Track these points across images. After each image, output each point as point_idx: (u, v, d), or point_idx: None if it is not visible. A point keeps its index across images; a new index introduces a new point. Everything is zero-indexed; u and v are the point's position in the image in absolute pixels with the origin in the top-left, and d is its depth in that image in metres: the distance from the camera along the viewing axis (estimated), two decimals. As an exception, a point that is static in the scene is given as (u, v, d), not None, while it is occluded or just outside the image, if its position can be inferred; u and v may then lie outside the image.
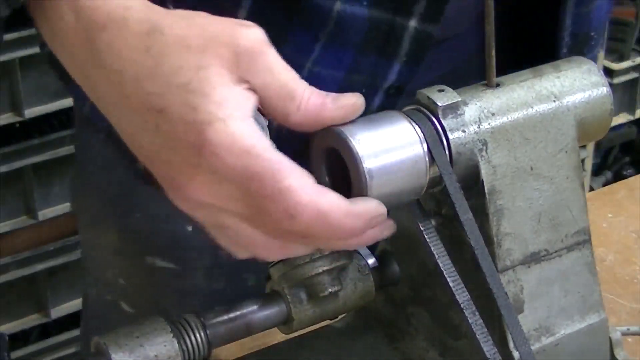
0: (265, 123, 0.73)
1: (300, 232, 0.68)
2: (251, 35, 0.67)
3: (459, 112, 0.78)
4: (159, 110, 0.66)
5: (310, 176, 0.69)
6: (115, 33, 0.67)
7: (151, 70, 0.66)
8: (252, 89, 0.68)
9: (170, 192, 0.69)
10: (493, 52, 0.79)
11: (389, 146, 0.74)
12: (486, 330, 0.76)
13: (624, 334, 0.94)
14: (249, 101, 0.67)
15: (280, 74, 0.68)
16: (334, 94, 0.71)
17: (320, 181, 0.78)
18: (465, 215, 0.76)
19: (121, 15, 0.67)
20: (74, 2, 0.68)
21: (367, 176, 0.72)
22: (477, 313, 0.76)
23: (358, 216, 0.70)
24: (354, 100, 0.71)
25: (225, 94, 0.66)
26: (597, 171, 3.04)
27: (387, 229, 0.74)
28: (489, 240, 0.79)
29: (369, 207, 0.71)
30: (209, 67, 0.66)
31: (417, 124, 0.76)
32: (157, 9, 0.69)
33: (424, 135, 0.76)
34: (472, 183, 0.79)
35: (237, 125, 0.65)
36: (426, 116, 0.77)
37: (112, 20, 0.67)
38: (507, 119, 0.80)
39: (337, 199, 0.69)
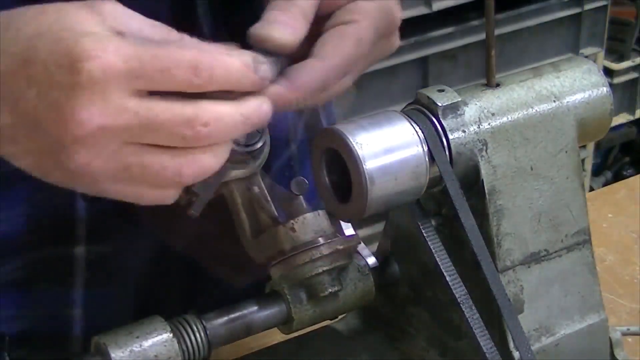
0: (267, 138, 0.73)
1: (208, 82, 0.66)
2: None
3: (459, 112, 0.78)
4: (27, 63, 0.64)
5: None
6: None
7: (13, 37, 0.65)
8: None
9: (68, 143, 0.65)
10: (493, 52, 0.79)
11: (389, 147, 0.74)
12: (484, 326, 0.76)
13: (624, 334, 0.94)
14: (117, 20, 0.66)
15: (144, 18, 0.68)
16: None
17: (320, 181, 0.78)
18: (466, 216, 0.76)
19: None
20: None
21: (367, 177, 0.72)
22: (474, 309, 0.76)
23: (241, 54, 0.68)
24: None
25: (92, 24, 0.64)
26: (597, 171, 3.04)
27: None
28: (489, 240, 0.79)
29: (243, 52, 0.69)
30: (68, 14, 0.65)
31: (417, 124, 0.76)
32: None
33: (424, 135, 0.76)
34: (472, 183, 0.79)
35: (103, 34, 0.64)
36: (426, 116, 0.77)
37: None
38: (507, 119, 0.80)
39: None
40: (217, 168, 0.69)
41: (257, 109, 0.69)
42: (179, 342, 0.77)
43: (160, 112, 0.65)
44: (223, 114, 0.67)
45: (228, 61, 0.66)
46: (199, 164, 0.68)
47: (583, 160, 2.67)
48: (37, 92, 0.65)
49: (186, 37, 0.69)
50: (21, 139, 0.67)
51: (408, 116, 0.77)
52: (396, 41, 0.82)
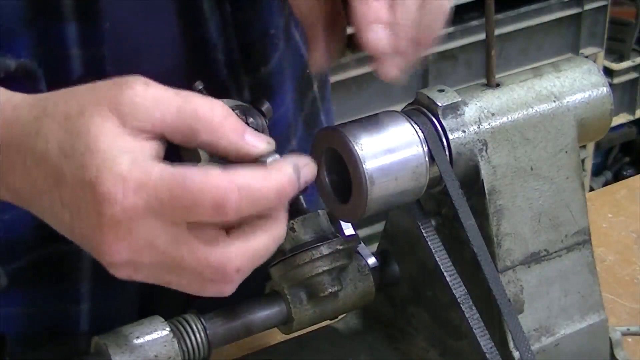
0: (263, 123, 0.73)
1: (234, 217, 0.65)
2: (128, 84, 0.66)
3: (459, 112, 0.78)
4: (58, 182, 0.66)
5: (212, 165, 0.67)
6: (11, 130, 0.68)
7: (44, 150, 0.66)
8: (151, 136, 0.66)
9: (105, 265, 0.68)
10: (493, 52, 0.79)
11: (389, 147, 0.74)
12: (484, 326, 0.76)
13: (624, 334, 0.94)
14: (140, 145, 0.65)
15: (171, 100, 0.66)
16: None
17: (320, 181, 0.78)
18: (466, 216, 0.76)
19: (12, 113, 0.68)
20: None
21: (367, 177, 0.72)
22: (474, 309, 0.76)
23: (279, 172, 0.67)
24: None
25: (109, 143, 0.64)
26: (597, 171, 3.04)
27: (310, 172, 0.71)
28: (489, 241, 0.79)
29: (283, 166, 0.68)
30: (90, 126, 0.65)
31: (417, 124, 0.76)
32: (44, 94, 0.69)
33: (424, 135, 0.76)
34: (472, 183, 0.79)
35: (123, 166, 0.64)
36: (426, 116, 0.77)
37: (6, 120, 0.68)
38: (507, 119, 0.80)
39: (249, 170, 0.66)
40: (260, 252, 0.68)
41: (284, 235, 0.69)
42: (179, 342, 0.77)
43: (187, 256, 0.65)
44: (254, 257, 0.67)
45: (263, 190, 0.65)
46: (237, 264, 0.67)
47: (583, 160, 2.67)
48: (70, 216, 0.66)
49: (216, 116, 0.66)
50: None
51: (408, 116, 0.77)
52: None
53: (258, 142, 0.68)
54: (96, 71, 0.82)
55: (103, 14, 0.83)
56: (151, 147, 0.66)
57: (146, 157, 0.65)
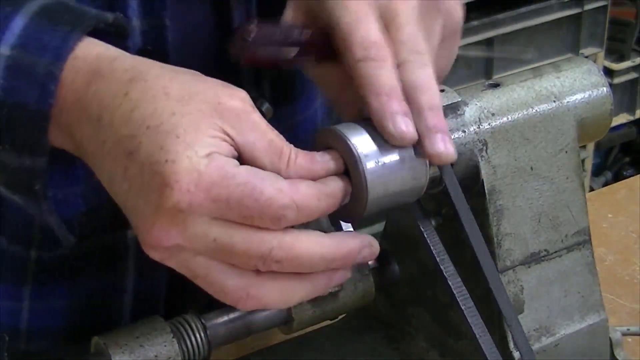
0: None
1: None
2: (235, 96, 0.67)
3: (459, 112, 0.78)
4: (129, 152, 0.65)
5: (279, 178, 0.67)
6: (100, 83, 0.68)
7: (127, 114, 0.66)
8: (235, 145, 0.67)
9: (141, 242, 0.68)
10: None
11: (388, 147, 0.74)
12: (484, 326, 0.76)
13: (624, 334, 0.94)
14: (221, 143, 0.66)
15: (267, 132, 0.67)
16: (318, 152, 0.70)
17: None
18: (466, 216, 0.76)
19: (108, 66, 0.68)
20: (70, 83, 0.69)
21: (366, 177, 0.72)
22: (475, 309, 0.76)
23: (331, 196, 0.69)
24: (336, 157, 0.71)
25: (197, 137, 0.65)
26: (597, 171, 3.05)
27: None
28: (489, 241, 0.79)
29: (335, 187, 0.70)
30: (184, 115, 0.65)
31: (417, 124, 0.76)
32: (146, 60, 0.69)
33: (424, 135, 0.76)
34: (472, 183, 0.79)
35: (203, 161, 0.64)
36: (426, 116, 0.77)
37: (99, 72, 0.68)
38: (507, 119, 0.80)
39: (309, 189, 0.68)
40: (281, 305, 0.70)
41: (344, 248, 0.70)
42: (179, 342, 0.77)
43: (237, 243, 0.65)
44: (302, 254, 0.68)
45: (317, 209, 0.68)
46: (262, 295, 0.68)
47: (583, 160, 2.67)
48: (129, 188, 0.66)
49: (293, 163, 0.68)
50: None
51: (408, 116, 0.76)
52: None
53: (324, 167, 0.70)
54: (156, 44, 0.81)
55: None
56: (228, 145, 0.66)
57: (226, 156, 0.65)
